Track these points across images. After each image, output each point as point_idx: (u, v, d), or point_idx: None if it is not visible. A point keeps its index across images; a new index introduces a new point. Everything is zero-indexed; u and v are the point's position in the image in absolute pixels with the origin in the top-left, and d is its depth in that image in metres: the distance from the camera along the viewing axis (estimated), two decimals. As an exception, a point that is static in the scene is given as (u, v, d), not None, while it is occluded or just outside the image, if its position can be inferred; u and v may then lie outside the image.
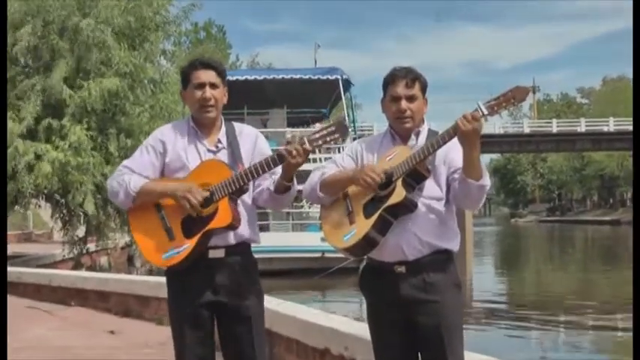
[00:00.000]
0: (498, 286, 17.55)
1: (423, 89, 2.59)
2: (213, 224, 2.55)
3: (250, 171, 2.55)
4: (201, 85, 2.66)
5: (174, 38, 13.52)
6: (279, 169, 2.61)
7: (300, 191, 2.71)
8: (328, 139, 2.54)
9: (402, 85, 2.54)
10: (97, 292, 7.48)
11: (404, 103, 2.53)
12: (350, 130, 20.39)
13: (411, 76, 2.55)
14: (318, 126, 20.24)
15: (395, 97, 2.55)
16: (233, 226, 2.59)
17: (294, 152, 2.49)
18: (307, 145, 2.51)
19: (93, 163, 11.52)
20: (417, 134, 2.60)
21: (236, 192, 2.58)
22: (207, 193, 2.56)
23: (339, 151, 16.76)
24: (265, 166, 2.55)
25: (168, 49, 13.67)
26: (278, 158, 2.54)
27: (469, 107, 2.38)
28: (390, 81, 2.58)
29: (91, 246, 14.39)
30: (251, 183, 2.68)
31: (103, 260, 17.11)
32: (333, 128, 2.53)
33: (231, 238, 2.65)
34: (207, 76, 2.67)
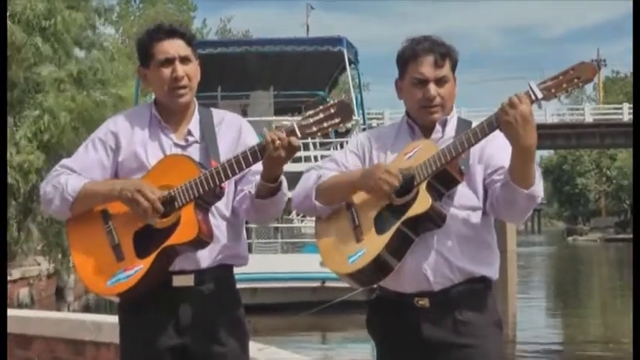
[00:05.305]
0: (550, 329, 17.56)
1: (454, 67, 2.60)
2: (174, 239, 2.54)
3: (223, 168, 2.53)
4: (170, 61, 2.66)
5: None
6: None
7: (290, 200, 2.71)
8: (325, 124, 2.50)
9: (428, 63, 2.53)
10: (15, 335, 7.45)
11: (432, 88, 2.53)
12: (357, 117, 20.38)
13: (440, 51, 2.54)
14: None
15: (421, 80, 2.54)
16: (201, 240, 2.56)
17: (277, 142, 2.44)
18: (296, 133, 2.47)
19: None
20: (444, 124, 2.61)
21: (205, 197, 2.56)
22: (164, 195, 2.53)
23: (341, 147, 16.77)
24: (243, 162, 2.52)
25: (115, 9, 13.42)
26: (259, 151, 2.51)
27: (511, 87, 2.37)
28: (410, 57, 2.57)
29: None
30: (230, 187, 2.68)
31: (23, 293, 17.07)
32: (332, 110, 2.49)
33: (204, 261, 2.64)
34: (175, 47, 2.67)
